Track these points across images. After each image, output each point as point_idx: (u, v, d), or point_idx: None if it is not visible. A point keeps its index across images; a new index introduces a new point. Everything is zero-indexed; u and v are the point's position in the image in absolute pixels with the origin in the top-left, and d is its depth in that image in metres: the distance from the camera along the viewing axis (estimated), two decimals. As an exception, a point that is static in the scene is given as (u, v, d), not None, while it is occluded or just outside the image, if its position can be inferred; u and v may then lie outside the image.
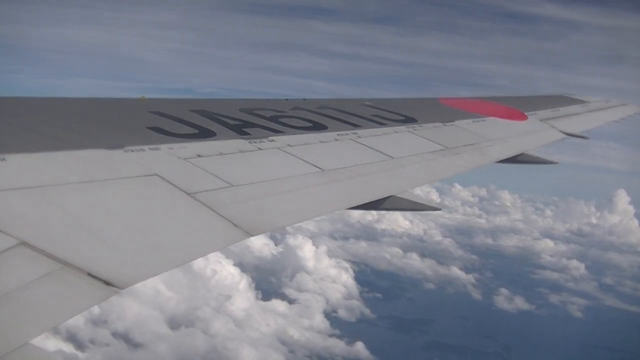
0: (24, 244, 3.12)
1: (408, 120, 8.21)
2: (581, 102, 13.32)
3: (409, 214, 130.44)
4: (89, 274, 3.12)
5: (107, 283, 3.11)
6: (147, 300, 69.21)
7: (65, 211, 3.63)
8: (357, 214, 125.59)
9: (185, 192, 4.33)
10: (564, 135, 10.25)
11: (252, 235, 4.14)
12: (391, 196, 5.61)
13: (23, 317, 2.72)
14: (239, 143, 5.67)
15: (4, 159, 3.95)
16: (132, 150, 4.78)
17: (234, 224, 4.15)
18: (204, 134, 5.67)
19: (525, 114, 10.76)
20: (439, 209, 6.29)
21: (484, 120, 9.46)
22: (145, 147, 4.90)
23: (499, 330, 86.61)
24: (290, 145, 5.98)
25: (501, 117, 10.01)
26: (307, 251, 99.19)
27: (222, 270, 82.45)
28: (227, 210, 4.27)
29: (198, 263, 79.56)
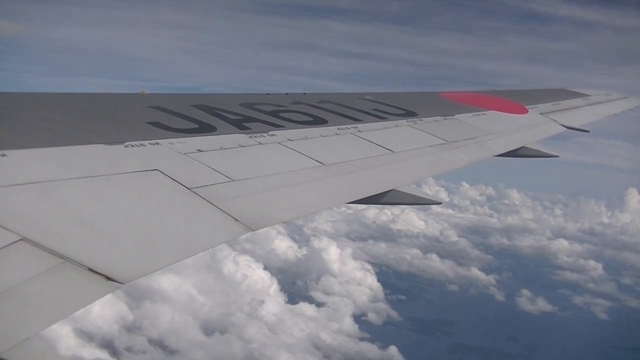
0: (24, 239, 3.05)
1: (408, 114, 8.07)
2: (581, 95, 13.07)
3: (422, 213, 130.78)
4: (90, 269, 3.04)
5: (108, 278, 3.04)
6: (180, 307, 69.43)
7: (66, 207, 3.55)
8: (372, 214, 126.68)
9: (186, 187, 4.25)
10: (565, 129, 10.09)
11: (252, 230, 4.05)
12: (392, 190, 5.49)
13: (24, 313, 2.65)
14: (239, 138, 5.57)
15: (4, 155, 3.88)
16: (132, 146, 4.70)
17: (234, 218, 4.06)
18: (205, 129, 5.57)
19: (526, 107, 10.58)
20: (440, 203, 6.15)
21: (484, 114, 9.31)
22: (146, 142, 4.82)
23: (522, 332, 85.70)
24: (291, 140, 5.87)
25: (501, 110, 9.86)
26: (331, 253, 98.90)
27: (253, 274, 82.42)
28: (228, 204, 4.19)
29: (228, 267, 79.87)
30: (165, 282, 69.76)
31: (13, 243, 3.01)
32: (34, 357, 2.47)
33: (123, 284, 3.08)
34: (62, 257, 3.04)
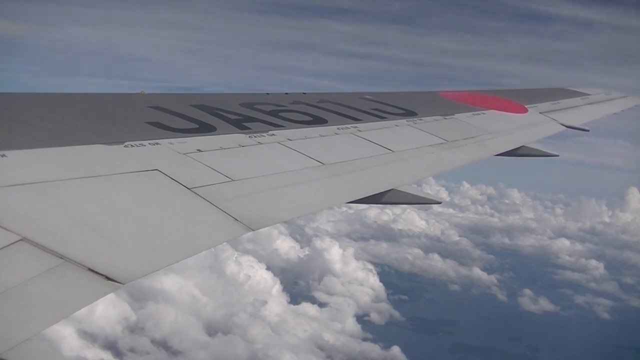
0: (24, 239, 3.04)
1: (408, 113, 8.04)
2: (581, 94, 13.04)
3: (423, 213, 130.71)
4: (90, 270, 3.03)
5: (108, 278, 3.03)
6: (183, 307, 69.33)
7: (66, 207, 3.54)
8: (373, 214, 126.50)
9: (186, 187, 4.23)
10: (565, 128, 10.07)
11: (252, 230, 4.04)
12: (392, 190, 5.48)
13: (24, 313, 2.64)
14: (239, 137, 5.55)
15: (4, 155, 3.86)
16: (132, 146, 4.68)
17: (234, 218, 4.04)
18: (204, 129, 5.55)
19: (526, 106, 10.54)
20: (440, 202, 6.14)
21: (484, 114, 9.27)
22: (146, 142, 4.80)
23: (524, 332, 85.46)
24: (291, 140, 5.84)
25: (501, 110, 9.82)
26: (333, 253, 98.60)
27: (255, 274, 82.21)
28: (228, 204, 4.17)
29: (231, 268, 79.72)
30: (168, 282, 69.74)
31: (13, 243, 2.99)
32: (34, 357, 2.46)
33: (123, 284, 3.07)
34: (62, 257, 3.02)
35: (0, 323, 2.55)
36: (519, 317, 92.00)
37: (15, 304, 2.66)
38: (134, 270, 3.22)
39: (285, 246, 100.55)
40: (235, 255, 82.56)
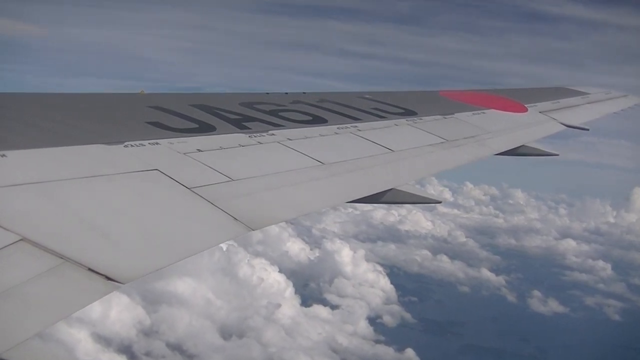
0: (24, 239, 3.02)
1: (408, 113, 7.98)
2: (581, 93, 12.97)
3: (429, 214, 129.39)
4: (90, 269, 3.00)
5: (108, 278, 3.01)
6: (198, 310, 69.23)
7: (66, 207, 3.52)
8: (379, 215, 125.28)
9: (186, 187, 4.20)
10: (564, 127, 10.00)
11: (252, 230, 4.01)
12: (392, 189, 5.44)
13: (24, 313, 2.62)
14: (239, 137, 5.52)
15: (4, 155, 3.84)
16: (132, 145, 4.65)
17: (234, 218, 4.01)
18: (204, 129, 5.51)
19: (525, 106, 10.46)
20: (440, 202, 6.11)
21: (484, 113, 9.20)
22: (145, 142, 4.77)
23: (533, 333, 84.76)
24: (291, 139, 5.80)
25: (501, 109, 9.74)
26: (343, 255, 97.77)
27: (268, 277, 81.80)
28: (228, 204, 4.14)
29: (244, 270, 79.39)
30: (182, 285, 69.68)
31: (13, 243, 2.97)
32: (34, 357, 2.45)
33: (123, 283, 3.04)
34: (62, 257, 3.00)
35: (0, 323, 2.53)
36: (528, 318, 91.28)
37: (15, 303, 2.63)
38: (134, 270, 3.19)
39: (296, 248, 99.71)
40: (248, 258, 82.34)
